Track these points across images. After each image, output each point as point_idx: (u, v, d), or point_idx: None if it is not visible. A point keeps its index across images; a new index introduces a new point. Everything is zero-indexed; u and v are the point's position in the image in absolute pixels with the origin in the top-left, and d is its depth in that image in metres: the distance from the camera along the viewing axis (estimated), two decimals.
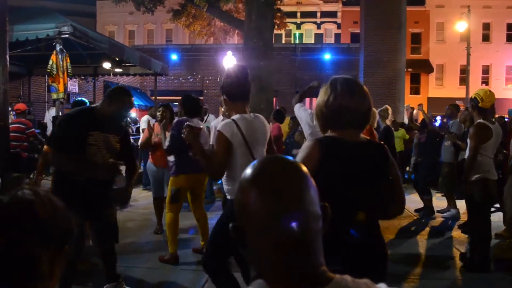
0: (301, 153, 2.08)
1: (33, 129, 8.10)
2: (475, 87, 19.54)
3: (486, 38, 31.74)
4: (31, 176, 8.95)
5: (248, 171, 0.95)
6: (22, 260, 0.93)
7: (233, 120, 3.09)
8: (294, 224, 0.88)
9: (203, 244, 5.14)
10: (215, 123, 5.49)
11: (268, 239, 0.89)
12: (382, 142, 2.29)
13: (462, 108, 23.37)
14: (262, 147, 3.24)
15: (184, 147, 4.73)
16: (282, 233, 0.88)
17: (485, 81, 30.95)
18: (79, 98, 6.00)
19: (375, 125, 6.27)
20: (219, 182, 10.58)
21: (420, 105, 8.64)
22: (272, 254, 0.90)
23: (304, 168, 0.96)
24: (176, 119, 5.45)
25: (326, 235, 0.95)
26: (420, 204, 7.83)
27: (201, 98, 25.53)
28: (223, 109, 3.37)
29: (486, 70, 31.68)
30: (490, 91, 4.84)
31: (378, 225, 2.16)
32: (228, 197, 3.22)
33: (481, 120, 4.77)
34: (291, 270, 0.89)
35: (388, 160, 2.15)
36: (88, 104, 5.15)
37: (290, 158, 0.99)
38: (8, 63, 5.83)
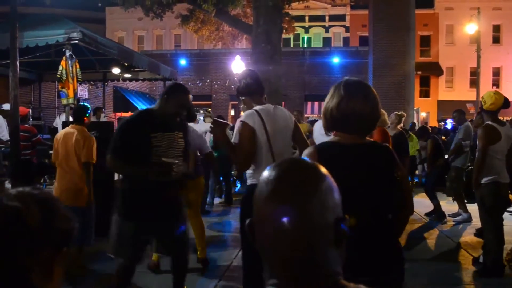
0: None
1: (39, 136, 8.11)
2: (486, 89, 19.29)
3: (496, 40, 31.50)
4: (41, 181, 9.03)
5: (265, 174, 0.95)
6: (11, 273, 0.88)
7: (255, 110, 3.20)
8: (294, 240, 0.88)
9: (199, 254, 5.01)
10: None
11: (272, 247, 0.90)
12: (389, 145, 2.26)
13: (472, 111, 23.08)
14: (283, 137, 3.27)
15: None
16: (283, 246, 0.89)
17: (496, 84, 30.66)
18: (82, 103, 5.96)
19: (389, 123, 6.22)
20: (237, 189, 10.56)
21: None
22: (277, 259, 0.90)
23: (321, 173, 0.94)
24: None
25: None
26: (430, 207, 7.76)
27: (210, 102, 25.58)
28: (242, 111, 3.46)
29: (496, 72, 31.42)
30: (496, 93, 4.76)
31: (389, 229, 2.12)
32: (249, 181, 3.28)
33: (489, 122, 4.74)
34: (298, 278, 0.88)
35: (394, 162, 2.10)
36: (89, 109, 5.02)
37: (309, 162, 0.98)
38: (18, 69, 5.88)
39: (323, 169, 0.95)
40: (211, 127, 3.15)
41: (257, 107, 3.22)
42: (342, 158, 2.02)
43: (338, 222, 0.92)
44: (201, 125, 7.29)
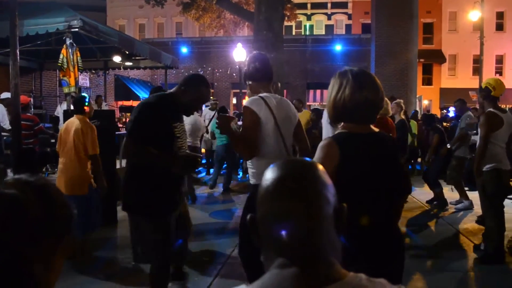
0: (319, 153, 2.01)
1: (41, 124, 8.12)
2: (489, 77, 19.23)
3: (499, 27, 31.22)
4: (43, 169, 9.04)
5: (269, 172, 0.98)
6: (10, 265, 0.84)
7: (260, 96, 3.02)
8: (296, 233, 0.91)
9: None
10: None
11: (278, 240, 0.93)
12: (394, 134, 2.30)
13: (475, 98, 23.06)
14: (291, 128, 3.11)
15: None
16: (289, 240, 0.92)
17: (499, 71, 30.46)
18: (83, 94, 5.81)
19: (390, 113, 6.23)
20: (239, 177, 10.46)
21: None
22: (283, 251, 0.93)
23: (319, 169, 0.99)
24: None
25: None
26: (431, 195, 7.78)
27: (212, 90, 25.55)
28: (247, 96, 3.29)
29: (499, 60, 31.20)
30: (499, 80, 4.84)
31: (395, 218, 2.14)
32: (252, 181, 3.05)
33: (491, 109, 4.74)
34: (298, 267, 0.90)
35: (397, 150, 2.17)
36: (87, 98, 4.87)
37: (308, 161, 1.03)
38: (18, 57, 5.87)
39: (320, 166, 1.00)
40: (217, 122, 2.95)
41: (263, 94, 3.05)
42: (360, 148, 2.02)
43: (337, 213, 0.96)
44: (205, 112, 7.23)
